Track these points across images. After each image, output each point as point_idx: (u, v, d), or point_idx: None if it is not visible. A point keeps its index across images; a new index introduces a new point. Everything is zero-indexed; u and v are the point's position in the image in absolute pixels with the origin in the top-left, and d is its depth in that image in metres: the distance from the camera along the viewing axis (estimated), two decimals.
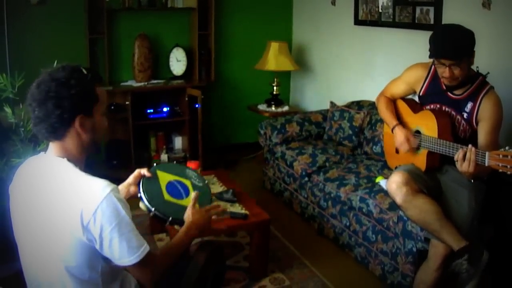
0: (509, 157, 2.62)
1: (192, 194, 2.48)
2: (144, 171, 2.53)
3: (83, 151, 2.07)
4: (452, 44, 3.04)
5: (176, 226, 2.47)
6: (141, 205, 2.41)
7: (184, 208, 2.44)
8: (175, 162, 2.75)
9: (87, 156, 2.13)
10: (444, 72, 3.11)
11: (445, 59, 3.05)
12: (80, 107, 1.97)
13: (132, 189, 2.51)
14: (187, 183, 2.63)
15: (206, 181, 2.81)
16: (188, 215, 2.40)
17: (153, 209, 2.36)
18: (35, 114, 1.97)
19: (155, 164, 2.64)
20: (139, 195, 2.42)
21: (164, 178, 2.56)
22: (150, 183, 2.47)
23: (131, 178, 2.53)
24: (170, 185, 2.54)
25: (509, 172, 2.63)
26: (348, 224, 4.12)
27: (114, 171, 5.51)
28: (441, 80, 3.26)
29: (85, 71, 2.01)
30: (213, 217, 2.52)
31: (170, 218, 2.38)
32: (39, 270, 2.06)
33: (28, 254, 2.09)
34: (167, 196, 2.48)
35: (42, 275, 2.05)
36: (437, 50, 3.09)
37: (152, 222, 4.27)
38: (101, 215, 1.87)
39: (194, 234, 2.36)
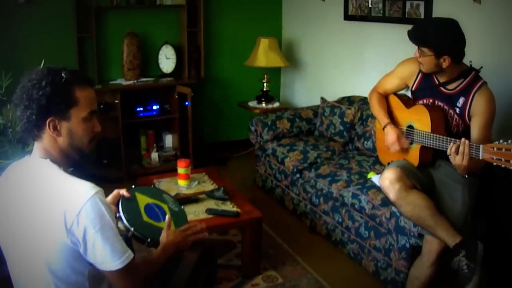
0: (503, 150, 2.62)
1: (166, 217, 2.45)
2: (123, 192, 2.49)
3: (63, 154, 2.03)
4: (418, 30, 3.17)
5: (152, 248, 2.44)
6: (119, 224, 2.39)
7: (161, 230, 2.43)
8: (152, 186, 2.73)
9: (74, 159, 2.09)
10: (415, 52, 3.23)
11: (410, 39, 3.18)
12: (49, 109, 1.93)
13: (111, 208, 2.48)
14: (164, 207, 2.63)
15: (182, 207, 2.81)
16: (163, 237, 2.37)
17: (132, 228, 2.33)
18: (16, 114, 1.98)
19: (133, 186, 2.63)
20: (118, 214, 2.40)
21: (142, 200, 2.56)
22: (129, 204, 2.46)
23: (110, 198, 2.49)
24: (148, 207, 2.54)
25: (503, 165, 2.62)
26: (340, 220, 4.11)
27: (104, 171, 5.49)
28: (433, 75, 3.28)
29: (64, 74, 1.95)
30: (190, 238, 2.47)
31: (149, 239, 2.37)
32: (25, 274, 2.04)
33: (14, 258, 2.06)
34: (145, 217, 2.47)
35: (28, 279, 2.02)
36: (408, 32, 3.20)
37: None
38: (85, 217, 1.84)
39: (170, 253, 2.32)
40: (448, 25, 3.08)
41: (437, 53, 3.06)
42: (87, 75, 2.11)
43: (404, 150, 3.40)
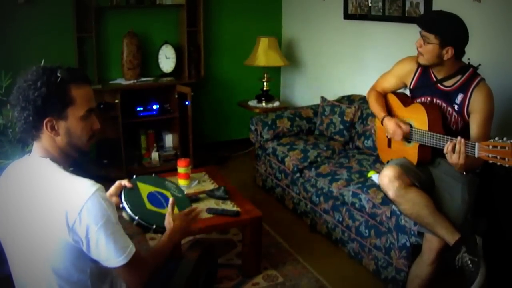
0: (498, 147, 2.61)
1: (170, 201, 2.48)
2: (125, 182, 2.50)
3: (62, 153, 2.03)
4: (432, 16, 3.27)
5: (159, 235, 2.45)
6: (123, 214, 2.40)
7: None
8: (153, 174, 2.75)
9: (73, 157, 2.09)
10: (417, 41, 3.21)
11: (418, 25, 3.18)
12: (46, 109, 1.92)
13: (114, 199, 2.47)
14: (167, 193, 2.65)
15: (185, 192, 2.81)
16: (169, 221, 2.39)
17: (136, 217, 2.35)
18: (14, 114, 1.98)
19: (134, 176, 2.64)
20: (121, 205, 2.41)
21: (145, 189, 2.57)
22: (132, 193, 2.48)
23: (112, 189, 2.50)
24: (151, 195, 2.56)
25: (499, 163, 2.62)
26: (340, 219, 4.11)
27: (105, 170, 5.50)
28: (430, 72, 3.28)
29: (59, 73, 1.94)
30: (194, 221, 2.52)
31: (154, 226, 2.38)
32: (26, 273, 2.04)
33: (15, 257, 2.06)
34: (149, 205, 2.49)
35: (30, 278, 2.03)
36: (418, 18, 3.29)
37: None
38: (87, 214, 1.84)
39: (177, 238, 2.37)
40: (456, 19, 3.10)
41: (442, 42, 3.06)
42: (83, 72, 2.09)
43: (404, 147, 3.39)
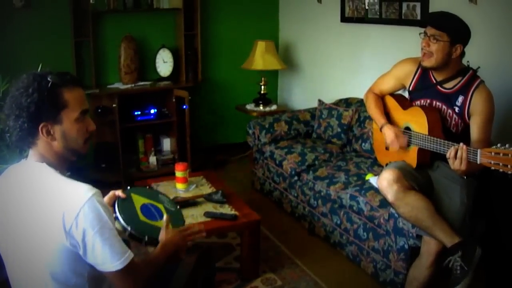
0: (500, 154, 2.61)
1: (164, 217, 2.46)
2: (118, 192, 2.49)
3: (59, 157, 2.03)
4: (440, 15, 3.25)
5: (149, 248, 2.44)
6: (116, 224, 2.40)
7: (158, 229, 2.43)
8: (147, 187, 2.75)
9: (71, 161, 2.09)
10: (422, 42, 3.19)
11: (430, 25, 3.15)
12: (40, 115, 1.92)
13: (109, 209, 2.48)
14: (160, 206, 2.64)
15: (178, 206, 2.82)
16: (162, 235, 2.37)
17: (129, 227, 2.34)
18: (9, 124, 1.99)
19: (129, 187, 2.63)
20: (114, 215, 2.40)
21: (138, 200, 2.57)
22: (125, 204, 2.47)
23: (106, 199, 2.48)
24: (144, 207, 2.55)
25: (501, 170, 2.61)
26: (339, 222, 4.11)
27: (103, 175, 5.49)
28: (430, 74, 3.28)
29: (50, 78, 1.94)
30: (189, 238, 2.48)
31: (146, 237, 2.37)
32: (24, 277, 2.03)
33: (13, 262, 2.06)
34: (142, 217, 2.48)
35: (27, 282, 2.02)
36: (427, 18, 3.26)
37: None
38: (84, 219, 1.84)
39: (170, 250, 2.32)
40: (459, 17, 3.14)
41: (452, 40, 3.08)
42: (74, 75, 2.09)
43: (403, 150, 3.39)
